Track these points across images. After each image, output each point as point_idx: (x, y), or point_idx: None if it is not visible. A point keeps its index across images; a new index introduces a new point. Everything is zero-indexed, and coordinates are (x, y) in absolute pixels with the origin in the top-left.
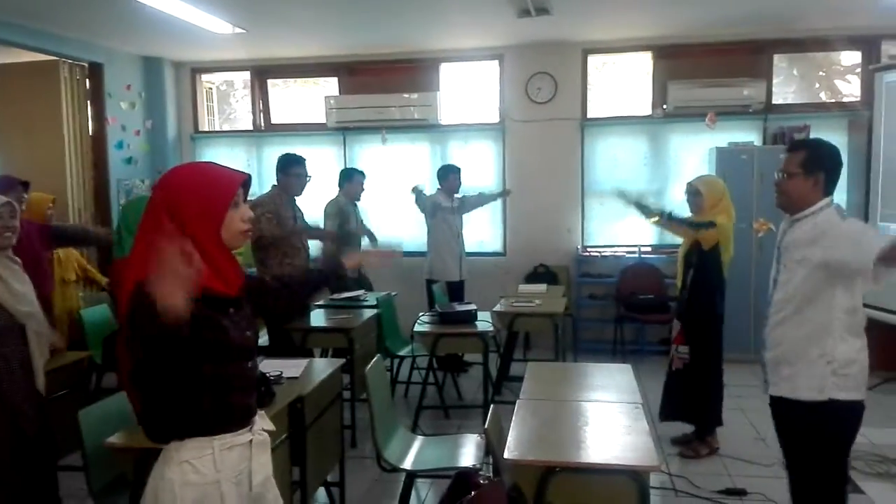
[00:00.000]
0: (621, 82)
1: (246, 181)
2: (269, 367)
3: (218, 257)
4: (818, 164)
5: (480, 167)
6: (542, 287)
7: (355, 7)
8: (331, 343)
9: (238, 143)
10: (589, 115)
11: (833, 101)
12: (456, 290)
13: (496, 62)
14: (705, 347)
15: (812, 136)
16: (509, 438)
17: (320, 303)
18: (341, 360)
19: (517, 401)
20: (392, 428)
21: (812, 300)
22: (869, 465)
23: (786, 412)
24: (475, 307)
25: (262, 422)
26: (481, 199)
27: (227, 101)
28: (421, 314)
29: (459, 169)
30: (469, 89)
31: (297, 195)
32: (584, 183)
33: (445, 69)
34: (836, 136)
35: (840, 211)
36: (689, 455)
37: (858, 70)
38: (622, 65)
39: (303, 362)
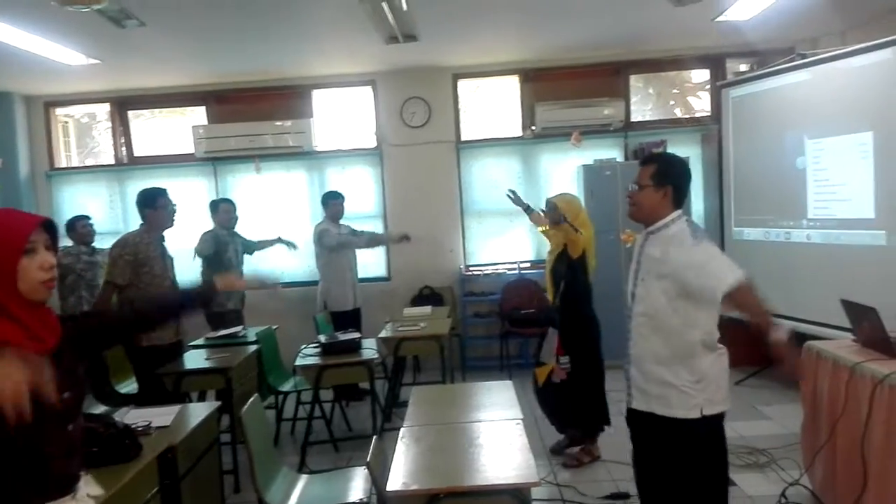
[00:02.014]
0: (492, 105)
1: (47, 224)
2: (135, 417)
3: (21, 314)
4: (667, 176)
5: (359, 193)
6: (428, 309)
7: (218, 35)
8: (208, 385)
9: (99, 179)
10: (463, 138)
11: (686, 116)
12: (352, 319)
13: (369, 88)
14: (585, 354)
15: (669, 149)
16: (392, 469)
17: (196, 342)
18: (217, 403)
19: (401, 428)
20: (274, 469)
21: (671, 315)
22: (739, 457)
23: (657, 428)
24: (359, 335)
25: (88, 487)
26: (372, 241)
27: (88, 134)
28: (303, 346)
29: (342, 195)
30: (344, 115)
31: (170, 227)
32: (462, 203)
33: (318, 95)
34: (690, 149)
35: (693, 226)
36: (573, 464)
37: (708, 87)
38: (492, 88)
39: (174, 409)
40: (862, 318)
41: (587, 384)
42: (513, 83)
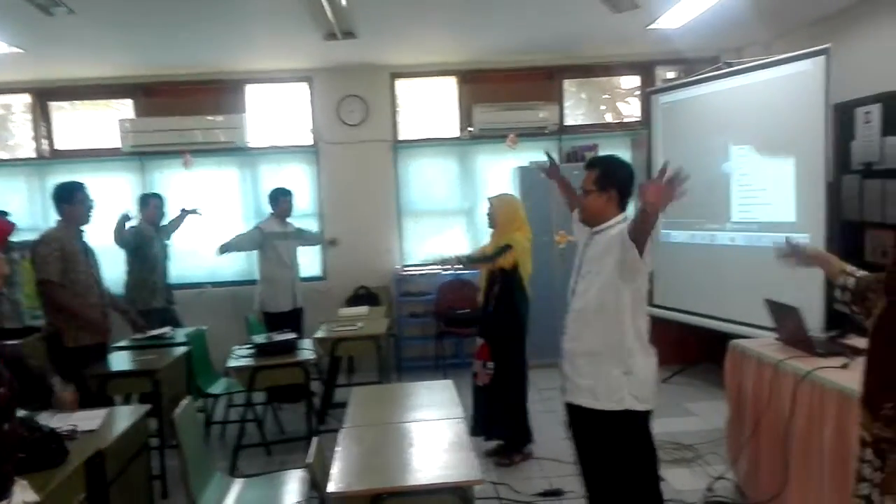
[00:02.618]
0: (430, 105)
1: None
2: (60, 421)
3: None
4: (611, 180)
5: (295, 190)
6: (364, 309)
7: (149, 25)
8: (135, 388)
9: (17, 173)
10: (401, 137)
11: (617, 121)
12: (292, 320)
13: (306, 84)
14: (510, 362)
15: (600, 153)
16: (333, 470)
17: (122, 343)
18: (146, 407)
19: (341, 429)
20: (207, 474)
21: (608, 311)
22: (667, 452)
23: (585, 420)
24: (296, 336)
25: (23, 493)
26: (314, 239)
27: (4, 126)
28: (236, 348)
29: (291, 192)
30: (279, 111)
31: (87, 223)
32: (399, 203)
33: (252, 90)
34: (621, 153)
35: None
36: (505, 463)
37: (638, 92)
38: (431, 88)
39: (101, 412)
40: (784, 318)
41: (510, 392)
42: (451, 84)
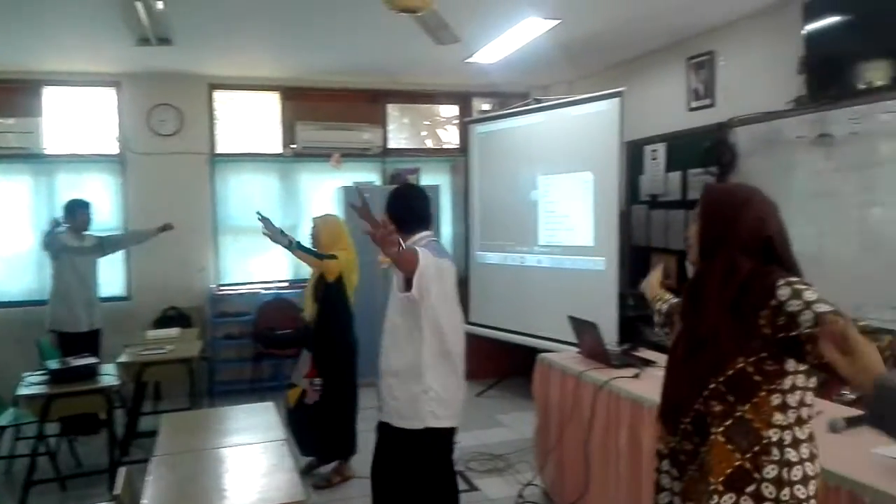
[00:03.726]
0: (252, 119)
1: None
2: None
3: None
4: (389, 208)
5: (98, 203)
6: (175, 331)
7: None
8: None
9: None
10: (219, 151)
11: (437, 147)
12: (89, 342)
13: (113, 90)
14: (339, 377)
15: (422, 177)
16: (145, 500)
17: None
18: None
19: (152, 458)
20: None
21: (404, 331)
22: (480, 463)
23: (392, 438)
24: (96, 360)
25: None
26: (133, 238)
27: None
28: (27, 374)
29: (89, 204)
30: (82, 117)
31: None
32: (216, 219)
33: (50, 93)
34: (441, 178)
35: (431, 243)
36: (322, 485)
37: (456, 121)
38: (252, 102)
39: None
40: (585, 333)
41: (338, 408)
42: (273, 99)
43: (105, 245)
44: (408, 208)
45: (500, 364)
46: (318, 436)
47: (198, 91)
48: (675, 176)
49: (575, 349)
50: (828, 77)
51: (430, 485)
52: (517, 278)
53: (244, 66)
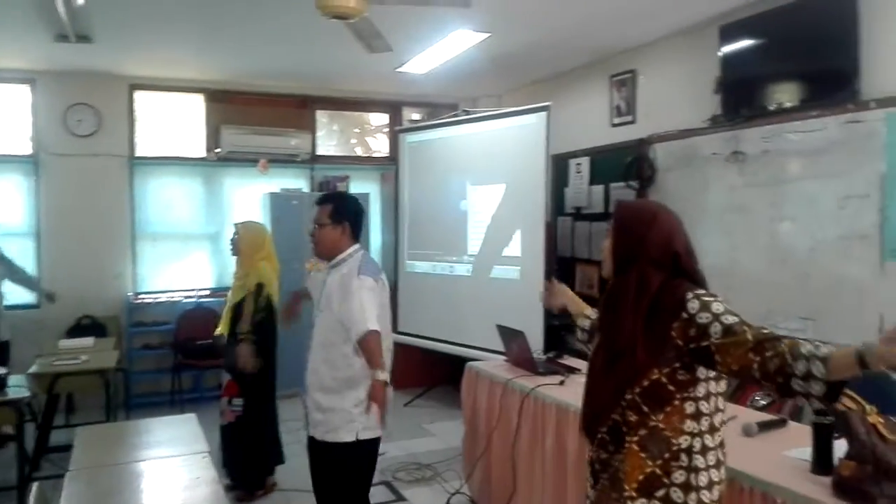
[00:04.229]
0: (175, 122)
1: None
2: None
3: None
4: (343, 214)
5: (8, 206)
6: (89, 341)
7: None
8: None
9: None
10: (139, 154)
11: (367, 155)
12: None
13: (27, 87)
14: (260, 395)
15: (351, 185)
16: None
17: None
18: None
19: (66, 473)
20: None
21: (337, 345)
22: (408, 472)
23: (323, 453)
24: (6, 371)
25: None
26: (29, 283)
27: None
28: None
29: None
30: None
31: None
32: (134, 224)
33: None
34: (370, 186)
35: (365, 261)
36: (246, 498)
37: (386, 130)
38: (175, 104)
39: None
40: (512, 341)
41: (262, 424)
42: (198, 102)
43: (10, 269)
44: (359, 218)
45: (428, 373)
46: (241, 455)
47: (118, 91)
48: (599, 189)
49: (502, 357)
50: (741, 97)
51: (354, 495)
52: (446, 287)
53: (168, 66)
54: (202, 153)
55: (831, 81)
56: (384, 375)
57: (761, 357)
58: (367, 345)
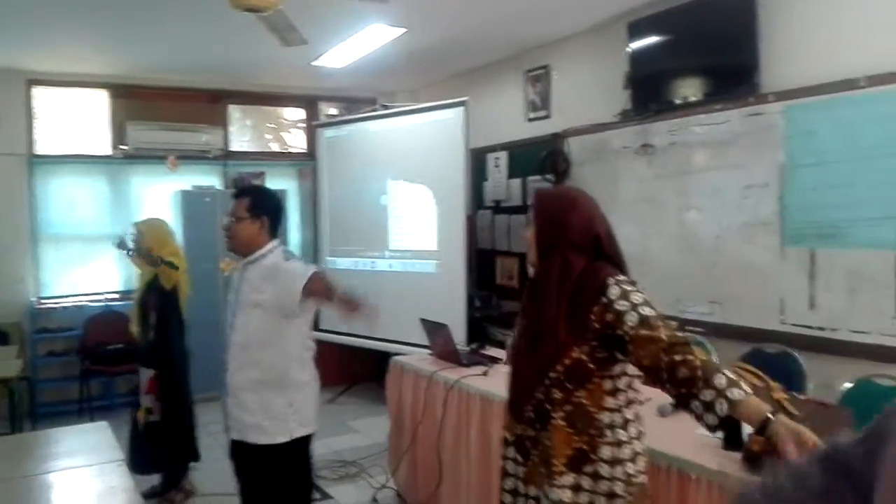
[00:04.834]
0: (77, 118)
1: None
2: None
3: None
4: (262, 208)
5: None
6: None
7: None
8: None
9: None
10: (39, 152)
11: (283, 150)
12: None
13: None
14: (178, 391)
15: (267, 182)
16: None
17: None
18: None
19: None
20: None
21: (269, 344)
22: (333, 470)
23: (253, 456)
24: None
25: None
26: None
27: None
28: None
29: None
30: None
31: None
32: (35, 226)
33: None
34: (287, 183)
35: (286, 253)
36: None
37: (303, 125)
38: (78, 100)
39: None
40: (436, 334)
41: (177, 424)
42: (102, 97)
43: None
44: (282, 213)
45: (352, 370)
46: (159, 455)
47: (14, 87)
48: (517, 182)
49: (427, 351)
50: (649, 92)
51: (292, 495)
52: (368, 283)
53: (68, 60)
54: (108, 150)
55: (733, 76)
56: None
57: (670, 359)
58: (315, 286)
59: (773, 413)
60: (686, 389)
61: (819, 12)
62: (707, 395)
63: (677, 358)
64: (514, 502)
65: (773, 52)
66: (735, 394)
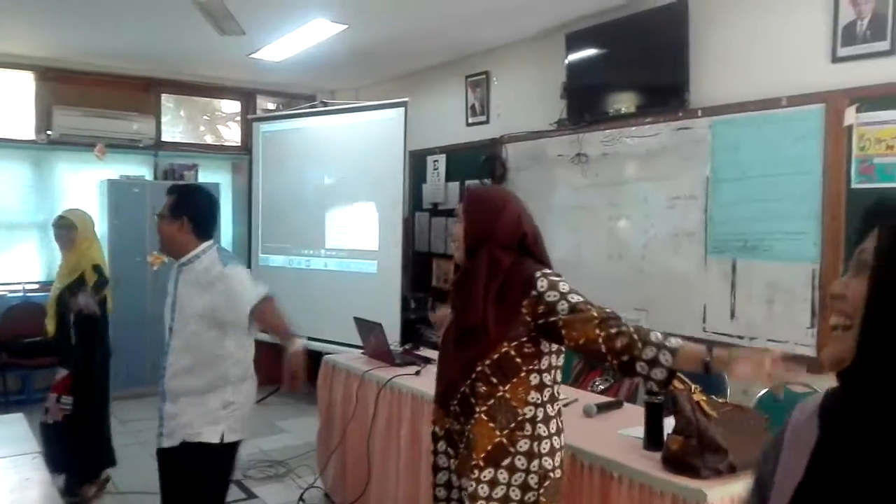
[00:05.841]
0: (1, 102)
1: None
2: None
3: None
4: (184, 208)
5: None
6: None
7: None
8: None
9: None
10: None
11: (217, 143)
12: None
13: None
14: (93, 392)
15: (200, 175)
16: None
17: None
18: None
19: None
20: None
21: (206, 349)
22: (261, 470)
23: (181, 454)
24: None
25: None
26: None
27: None
28: None
29: None
30: None
31: None
32: None
33: None
34: (221, 176)
35: (224, 254)
36: (78, 501)
37: (239, 118)
38: (1, 82)
39: None
40: (370, 333)
41: (89, 426)
42: (27, 80)
43: None
44: (210, 215)
45: (282, 370)
46: (72, 452)
47: None
48: (455, 186)
49: (360, 351)
50: (585, 103)
51: (212, 497)
52: (303, 281)
53: None
54: (31, 136)
55: (664, 91)
56: (301, 342)
57: (606, 333)
58: (265, 316)
59: (709, 349)
60: (628, 356)
61: (745, 34)
62: (648, 352)
63: (612, 330)
64: (448, 495)
65: (703, 69)
66: (673, 342)
